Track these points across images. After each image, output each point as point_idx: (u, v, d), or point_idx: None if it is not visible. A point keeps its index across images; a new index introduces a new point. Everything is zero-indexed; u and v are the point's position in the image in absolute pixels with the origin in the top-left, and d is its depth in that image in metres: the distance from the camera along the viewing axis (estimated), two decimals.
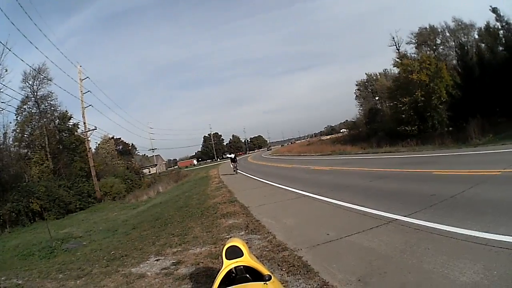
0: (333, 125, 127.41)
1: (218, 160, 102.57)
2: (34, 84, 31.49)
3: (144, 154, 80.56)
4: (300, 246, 5.09)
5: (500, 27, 26.21)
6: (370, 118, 43.12)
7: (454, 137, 20.15)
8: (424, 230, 4.70)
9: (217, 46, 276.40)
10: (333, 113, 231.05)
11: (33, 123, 31.72)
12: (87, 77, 30.59)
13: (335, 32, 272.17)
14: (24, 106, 31.26)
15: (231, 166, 26.91)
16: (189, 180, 32.23)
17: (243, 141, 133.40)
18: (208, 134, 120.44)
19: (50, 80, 31.40)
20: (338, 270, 3.94)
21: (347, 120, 70.89)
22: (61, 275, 6.45)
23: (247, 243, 3.59)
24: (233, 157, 27.12)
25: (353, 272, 3.81)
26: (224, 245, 2.81)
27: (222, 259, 2.71)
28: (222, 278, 2.52)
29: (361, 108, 53.20)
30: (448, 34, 34.72)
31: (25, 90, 31.07)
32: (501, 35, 26.04)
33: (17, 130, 30.93)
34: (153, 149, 76.81)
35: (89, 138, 30.85)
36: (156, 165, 79.42)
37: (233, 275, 2.64)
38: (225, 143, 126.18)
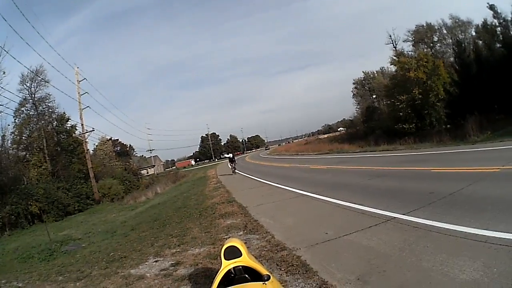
0: (330, 123, 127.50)
1: (216, 160, 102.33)
2: (32, 86, 31.57)
3: (142, 155, 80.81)
4: (299, 245, 5.08)
5: (497, 24, 26.32)
6: (368, 116, 43.07)
7: (452, 135, 20.25)
8: (423, 228, 4.69)
9: (216, 46, 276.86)
10: (330, 112, 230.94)
11: (31, 125, 31.69)
12: (84, 78, 30.81)
13: (333, 31, 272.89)
14: (22, 109, 31.29)
15: (229, 166, 26.83)
16: (187, 180, 32.18)
17: (240, 141, 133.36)
18: (206, 134, 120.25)
19: (47, 82, 31.54)
20: (337, 269, 3.93)
21: (344, 119, 70.85)
22: (60, 277, 6.45)
23: (245, 243, 3.58)
24: (231, 157, 27.00)
25: (352, 271, 3.80)
26: (223, 245, 2.80)
27: (220, 259, 2.71)
28: (221, 279, 2.51)
29: (358, 107, 53.27)
30: (445, 31, 34.90)
31: (23, 92, 31.13)
32: (498, 32, 26.12)
33: (15, 133, 30.96)
34: (150, 150, 76.85)
35: (87, 140, 30.93)
36: (154, 166, 79.48)
37: (232, 275, 2.63)
38: (222, 143, 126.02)
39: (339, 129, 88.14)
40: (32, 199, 21.89)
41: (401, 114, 28.26)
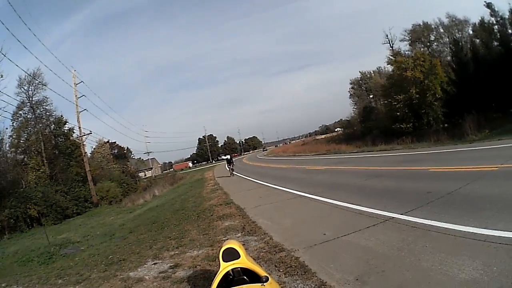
0: (327, 124, 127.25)
1: (213, 162, 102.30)
2: (30, 89, 31.55)
3: (140, 158, 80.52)
4: (297, 246, 5.06)
5: (494, 22, 26.36)
6: (365, 116, 43.09)
7: (449, 134, 20.27)
8: (421, 228, 4.68)
9: (216, 46, 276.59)
10: (327, 113, 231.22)
11: (29, 128, 31.72)
12: (82, 81, 30.94)
13: (331, 31, 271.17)
14: (20, 112, 31.30)
15: (227, 168, 26.63)
16: (184, 182, 32.17)
17: (237, 142, 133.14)
18: (203, 136, 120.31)
19: (45, 85, 31.41)
20: (335, 270, 3.92)
21: (341, 119, 70.50)
22: (60, 280, 6.44)
23: (243, 244, 3.57)
24: (229, 158, 26.84)
25: (350, 271, 3.79)
26: (221, 247, 2.78)
27: (219, 261, 2.69)
28: (220, 281, 2.50)
29: (355, 107, 53.02)
30: (442, 30, 35.04)
31: (20, 96, 31.16)
32: (495, 30, 26.17)
33: (13, 136, 30.96)
34: (148, 153, 76.81)
35: (84, 143, 30.91)
36: (151, 168, 79.27)
37: (231, 277, 2.62)
38: (220, 145, 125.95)
39: (336, 130, 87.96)
40: (31, 202, 21.90)
41: (398, 113, 28.26)
